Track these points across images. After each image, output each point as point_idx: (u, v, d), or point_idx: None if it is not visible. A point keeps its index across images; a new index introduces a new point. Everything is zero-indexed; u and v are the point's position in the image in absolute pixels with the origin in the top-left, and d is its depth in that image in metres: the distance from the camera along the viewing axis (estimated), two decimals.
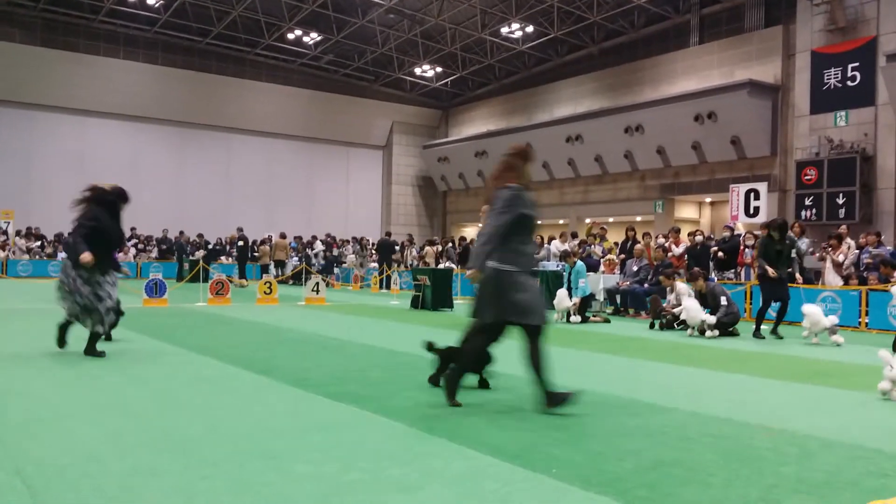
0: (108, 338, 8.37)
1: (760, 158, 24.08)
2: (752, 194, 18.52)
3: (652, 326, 12.50)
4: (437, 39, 32.29)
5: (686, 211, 28.38)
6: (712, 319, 11.20)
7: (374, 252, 28.25)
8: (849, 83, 21.16)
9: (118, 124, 32.21)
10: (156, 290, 14.89)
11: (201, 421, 4.90)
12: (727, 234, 16.61)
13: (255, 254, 28.90)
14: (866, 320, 13.03)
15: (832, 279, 14.68)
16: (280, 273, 26.26)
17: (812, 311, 10.56)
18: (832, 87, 21.49)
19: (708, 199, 28.34)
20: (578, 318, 13.40)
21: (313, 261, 28.31)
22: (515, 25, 29.68)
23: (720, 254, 16.04)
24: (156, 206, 29.96)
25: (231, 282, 17.61)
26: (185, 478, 3.64)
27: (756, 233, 15.47)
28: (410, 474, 3.78)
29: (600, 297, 15.94)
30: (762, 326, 11.25)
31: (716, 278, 15.06)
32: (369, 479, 3.68)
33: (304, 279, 20.06)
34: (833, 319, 10.58)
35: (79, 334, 7.99)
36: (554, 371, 5.53)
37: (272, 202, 35.60)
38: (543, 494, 3.53)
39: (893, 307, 12.38)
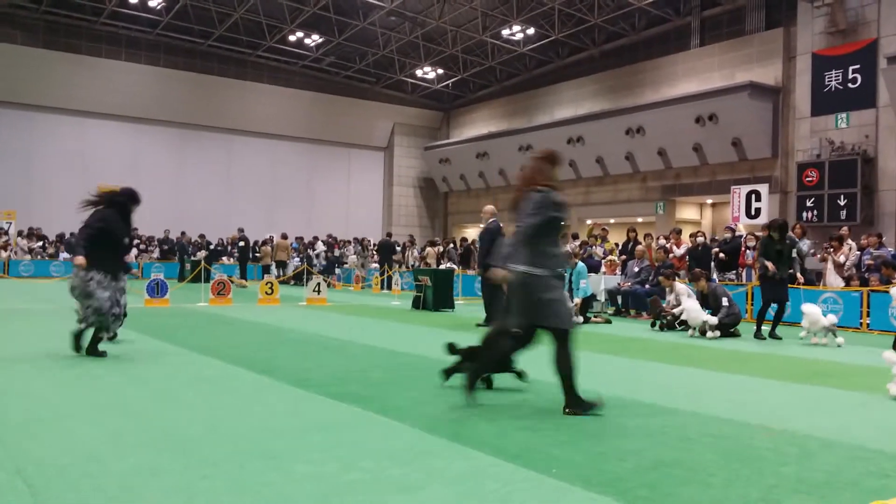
0: (112, 338, 8.26)
1: (761, 160, 24.08)
2: (753, 196, 18.53)
3: (653, 327, 12.50)
4: (439, 41, 32.31)
5: (687, 212, 28.38)
6: (714, 320, 11.20)
7: (375, 253, 28.26)
8: (850, 85, 21.16)
9: (120, 125, 32.25)
10: (157, 290, 14.90)
11: (202, 421, 4.91)
12: (728, 235, 16.61)
13: (257, 254, 28.93)
14: (867, 321, 13.03)
15: (833, 280, 14.67)
16: (281, 273, 26.27)
17: (811, 310, 10.57)
18: (833, 89, 21.48)
19: (709, 201, 28.34)
20: (580, 319, 13.39)
21: (315, 261, 28.32)
22: (516, 28, 29.70)
23: (721, 255, 16.05)
24: (157, 207, 29.93)
25: (231, 282, 17.61)
26: (185, 478, 3.64)
27: (757, 234, 15.47)
28: (411, 474, 3.78)
29: (601, 297, 15.95)
30: (763, 327, 11.25)
31: (717, 279, 15.05)
32: (370, 478, 3.68)
33: (305, 280, 20.07)
34: (832, 319, 10.58)
35: (85, 334, 8.00)
36: (551, 372, 5.53)
37: (273, 203, 35.62)
38: (544, 494, 3.53)
39: (894, 308, 12.37)
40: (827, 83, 21.59)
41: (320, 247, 30.05)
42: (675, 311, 12.09)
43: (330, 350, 8.87)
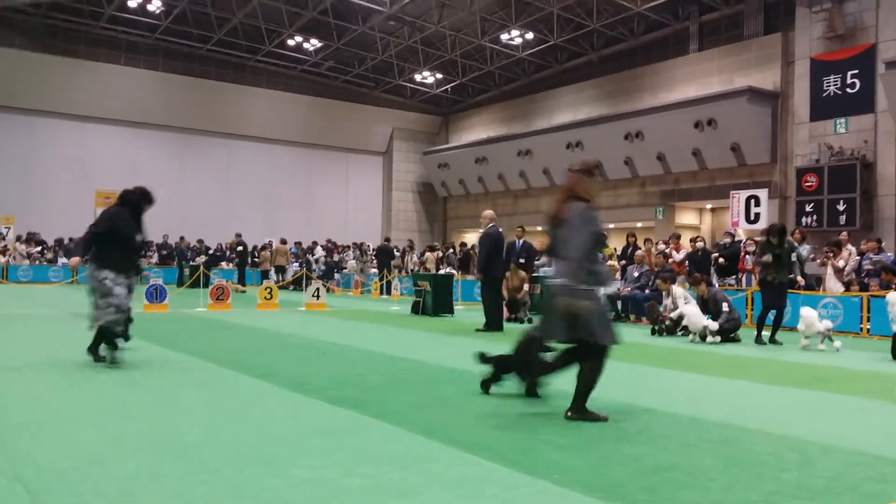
0: (115, 345, 7.90)
1: (760, 165, 24.11)
2: (752, 201, 18.50)
3: (653, 332, 12.49)
4: (438, 46, 32.36)
5: (686, 217, 28.40)
6: (714, 325, 11.19)
7: (373, 258, 28.27)
8: (848, 90, 21.19)
9: (118, 130, 32.26)
10: (156, 295, 14.88)
11: (201, 425, 4.90)
12: (728, 240, 16.62)
13: (256, 259, 28.93)
14: (867, 326, 13.02)
15: (833, 285, 14.68)
16: (280, 279, 26.26)
17: (809, 314, 10.58)
18: (832, 94, 21.52)
19: (708, 206, 28.36)
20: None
21: (314, 266, 28.31)
22: (515, 32, 29.75)
23: (721, 260, 16.06)
24: (156, 212, 29.28)
25: (230, 287, 17.61)
26: (185, 482, 3.64)
27: (757, 239, 15.49)
28: (410, 479, 3.77)
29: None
30: (763, 332, 11.26)
31: (717, 284, 15.05)
32: (369, 483, 3.68)
33: (304, 285, 20.06)
34: (827, 324, 10.59)
35: (85, 337, 7.98)
36: (561, 377, 5.54)
37: (272, 208, 35.63)
38: (544, 499, 3.53)
39: (891, 313, 12.38)
40: (825, 88, 21.62)
41: (319, 252, 30.05)
42: (673, 315, 12.09)
43: (329, 355, 8.86)
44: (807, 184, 21.39)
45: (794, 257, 11.63)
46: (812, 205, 21.25)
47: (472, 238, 31.78)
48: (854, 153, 20.83)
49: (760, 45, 24.75)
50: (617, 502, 3.46)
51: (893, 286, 11.58)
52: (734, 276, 16.23)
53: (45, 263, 27.61)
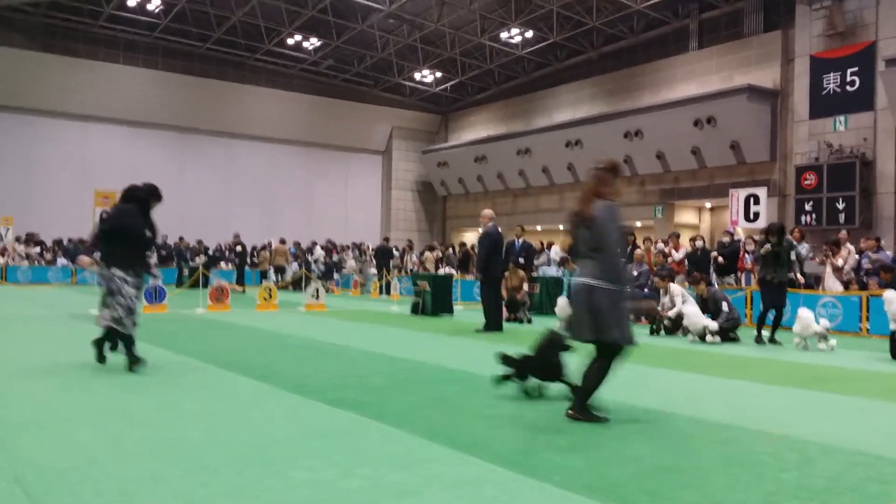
0: (114, 347, 7.69)
1: (760, 163, 24.10)
2: (751, 199, 18.49)
3: (652, 332, 12.48)
4: (437, 44, 32.34)
5: (686, 216, 28.38)
6: (714, 325, 11.19)
7: (372, 258, 28.25)
8: (848, 88, 21.18)
9: (118, 129, 32.22)
10: (155, 295, 14.86)
11: (201, 427, 4.90)
12: (727, 239, 16.61)
13: (255, 260, 28.91)
14: (867, 326, 13.01)
15: (832, 284, 14.67)
16: (280, 279, 26.25)
17: (806, 315, 10.58)
18: (831, 91, 21.50)
19: (708, 204, 28.35)
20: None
21: (313, 266, 28.30)
22: (515, 31, 29.72)
23: (720, 259, 16.05)
24: (155, 212, 29.86)
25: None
26: (184, 484, 3.63)
27: (756, 237, 15.48)
28: (410, 480, 3.77)
29: None
30: (763, 332, 11.25)
31: (716, 283, 15.05)
32: (368, 485, 3.67)
33: (303, 285, 20.05)
34: (825, 324, 10.59)
35: (84, 340, 7.96)
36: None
37: (272, 207, 35.61)
38: (544, 500, 3.53)
39: (888, 311, 12.37)
40: (825, 86, 21.61)
41: (318, 252, 30.03)
42: (671, 313, 12.08)
43: (328, 356, 8.86)
44: (806, 182, 21.38)
45: (793, 256, 11.62)
46: (811, 203, 21.24)
47: (471, 237, 31.79)
48: (853, 151, 20.82)
49: (760, 42, 24.73)
50: (617, 503, 3.46)
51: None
52: (733, 276, 16.22)
53: (43, 264, 27.59)
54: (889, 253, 15.29)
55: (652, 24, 28.29)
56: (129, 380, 6.70)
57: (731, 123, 23.92)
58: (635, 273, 15.61)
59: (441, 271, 23.06)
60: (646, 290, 15.05)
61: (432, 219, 39.88)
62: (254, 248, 30.08)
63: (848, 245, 15.39)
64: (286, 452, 4.25)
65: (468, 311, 16.58)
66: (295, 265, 28.44)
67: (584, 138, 28.73)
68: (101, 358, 7.45)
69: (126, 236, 7.26)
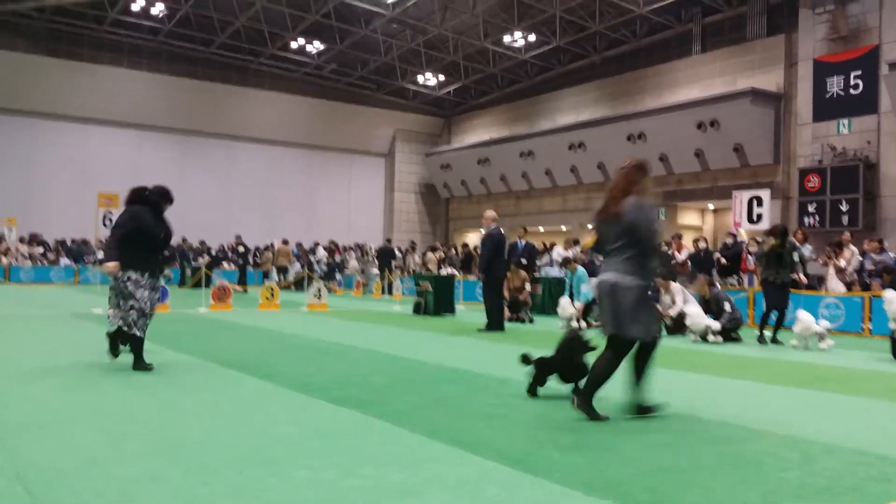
0: (124, 342, 7.56)
1: (763, 166, 24.08)
2: (755, 201, 18.48)
3: None
4: (440, 48, 32.36)
5: (689, 218, 28.37)
6: (717, 325, 11.18)
7: (375, 258, 28.29)
8: (851, 91, 21.16)
9: (121, 133, 32.30)
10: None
11: (202, 426, 4.90)
12: (730, 240, 16.60)
13: (258, 260, 28.96)
14: (869, 326, 13.00)
15: (835, 285, 14.66)
16: (282, 279, 26.27)
17: (805, 317, 10.58)
18: (835, 95, 21.49)
19: (711, 206, 28.34)
20: (584, 325, 13.37)
21: (316, 267, 28.33)
22: (518, 34, 29.72)
23: (723, 260, 16.04)
24: None
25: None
26: (185, 483, 3.63)
27: (759, 239, 15.47)
28: (411, 479, 3.77)
29: None
30: (765, 332, 11.24)
31: (718, 285, 15.04)
32: (370, 484, 3.67)
33: (306, 285, 20.07)
34: (825, 325, 10.58)
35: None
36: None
37: (274, 209, 35.63)
38: (545, 499, 3.52)
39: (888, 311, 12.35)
40: (828, 89, 21.59)
41: (321, 252, 30.07)
42: (672, 311, 12.07)
43: (331, 355, 8.86)
44: (809, 184, 21.36)
45: (795, 257, 11.61)
46: (815, 205, 21.22)
47: (473, 239, 31.79)
48: (857, 154, 20.79)
49: (763, 46, 24.72)
50: (618, 502, 3.45)
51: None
52: (736, 277, 16.21)
53: (46, 264, 27.65)
54: (892, 255, 15.27)
55: (655, 28, 28.28)
56: (130, 379, 6.70)
57: (734, 126, 23.90)
58: None
59: (443, 272, 23.07)
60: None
61: (435, 220, 39.89)
62: (256, 249, 30.13)
63: (851, 247, 15.38)
64: (287, 452, 4.25)
65: (470, 312, 16.59)
66: (297, 265, 28.49)
67: (587, 141, 28.73)
68: (114, 351, 7.44)
69: (140, 239, 7.22)
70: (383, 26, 30.04)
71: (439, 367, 7.87)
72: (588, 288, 14.17)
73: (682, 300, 12.01)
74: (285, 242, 27.83)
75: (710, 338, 11.14)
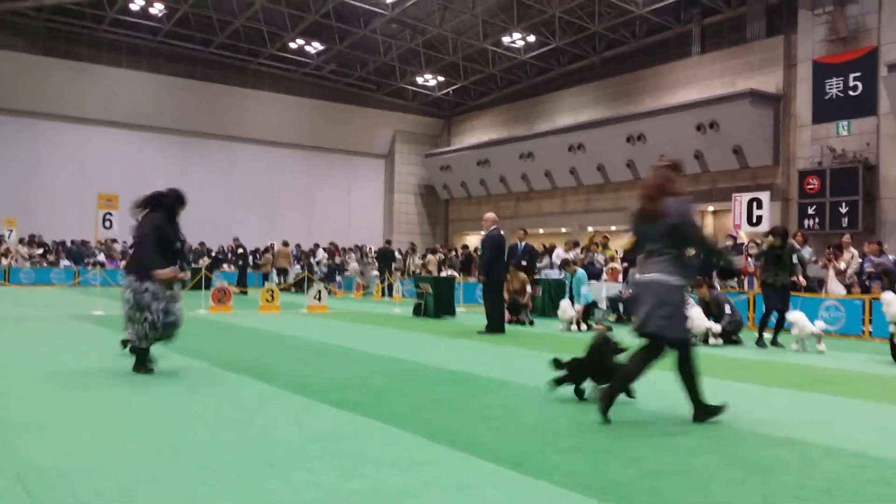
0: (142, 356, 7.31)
1: (763, 168, 24.09)
2: (754, 203, 18.51)
3: None
4: (440, 49, 32.37)
5: None
6: (718, 328, 11.18)
7: (374, 260, 28.28)
8: (850, 93, 21.18)
9: (121, 133, 32.29)
10: None
11: (202, 427, 4.90)
12: (730, 242, 16.60)
13: (258, 261, 28.94)
14: (869, 329, 13.00)
15: (835, 287, 14.67)
16: (282, 281, 26.26)
17: (798, 318, 10.57)
18: (834, 96, 21.51)
19: (710, 208, 28.31)
20: (585, 328, 13.37)
21: (315, 268, 28.32)
22: (517, 35, 29.75)
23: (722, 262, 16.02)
24: None
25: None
26: (185, 484, 3.63)
27: (757, 241, 15.48)
28: (411, 482, 3.77)
29: (603, 305, 15.93)
30: (765, 335, 11.24)
31: (719, 286, 15.03)
32: (370, 486, 3.67)
33: (305, 287, 20.06)
34: (821, 325, 10.57)
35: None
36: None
37: (274, 211, 35.64)
38: (545, 501, 3.52)
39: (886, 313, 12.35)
40: (828, 91, 21.61)
41: (321, 254, 30.06)
42: None
43: (331, 357, 8.86)
44: (809, 186, 21.37)
45: (795, 259, 11.61)
46: (814, 207, 21.23)
47: (473, 240, 31.79)
48: (856, 156, 20.81)
49: (763, 47, 24.74)
50: (618, 503, 3.46)
51: None
52: (736, 279, 16.20)
53: (46, 266, 27.64)
54: (892, 257, 15.27)
55: (654, 29, 28.30)
56: (130, 380, 6.70)
57: (733, 128, 23.92)
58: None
59: (443, 274, 23.07)
60: None
61: (435, 222, 39.89)
62: (256, 251, 30.11)
63: (851, 249, 15.39)
64: (288, 454, 4.25)
65: (470, 314, 16.58)
66: (297, 267, 28.48)
67: (586, 142, 28.75)
68: (148, 369, 7.22)
69: (162, 248, 7.04)
70: (383, 26, 30.06)
71: (439, 370, 7.87)
72: (588, 290, 14.17)
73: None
74: (285, 244, 27.83)
75: (711, 340, 11.14)
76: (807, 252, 14.98)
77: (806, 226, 20.83)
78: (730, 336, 11.36)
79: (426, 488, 3.67)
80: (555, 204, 31.93)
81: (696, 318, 11.34)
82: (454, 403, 5.93)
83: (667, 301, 5.22)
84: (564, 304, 13.55)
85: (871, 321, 12.99)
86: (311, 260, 29.47)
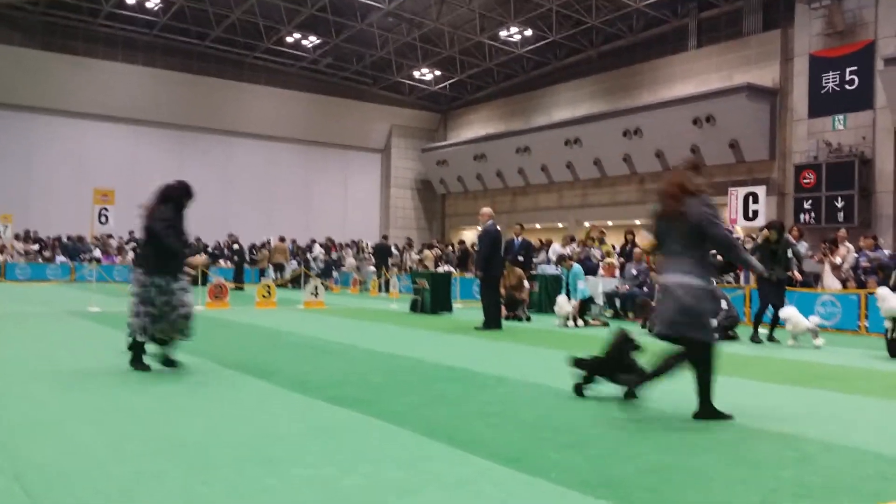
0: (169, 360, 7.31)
1: (759, 162, 24.12)
2: (750, 197, 18.51)
3: (643, 326, 12.43)
4: (436, 43, 32.31)
5: None
6: (714, 323, 11.18)
7: (371, 256, 28.26)
8: (847, 87, 21.19)
9: (117, 127, 32.20)
10: None
11: (201, 425, 4.90)
12: None
13: (255, 257, 28.90)
14: (866, 324, 13.02)
15: (831, 282, 14.69)
16: (279, 276, 26.24)
17: (791, 313, 10.59)
18: (830, 90, 21.52)
19: None
20: (582, 323, 13.38)
21: (312, 264, 28.30)
22: (514, 29, 29.71)
23: (719, 257, 16.04)
24: None
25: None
26: (184, 482, 3.63)
27: (754, 236, 15.49)
28: (410, 478, 3.77)
29: (599, 301, 15.94)
30: (761, 330, 11.26)
31: (714, 282, 15.06)
32: (368, 483, 3.68)
33: (302, 283, 20.06)
34: (815, 320, 10.60)
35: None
36: (551, 375, 5.52)
37: (270, 205, 35.58)
38: (542, 498, 3.53)
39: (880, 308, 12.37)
40: (824, 85, 21.62)
41: (318, 250, 30.02)
42: None
43: (328, 353, 8.86)
44: (805, 180, 21.40)
45: (790, 254, 11.63)
46: (810, 202, 21.26)
47: (470, 235, 31.78)
48: (852, 150, 20.83)
49: (759, 41, 24.74)
50: (617, 501, 3.46)
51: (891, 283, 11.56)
52: (732, 274, 16.22)
53: (42, 261, 27.58)
54: (887, 251, 15.31)
55: (651, 22, 28.29)
56: (128, 378, 6.69)
57: (730, 122, 23.93)
58: (634, 272, 15.63)
59: (440, 269, 23.06)
60: (645, 287, 15.07)
61: (431, 217, 39.88)
62: (253, 246, 30.06)
63: (847, 243, 15.41)
64: (286, 451, 4.25)
65: (467, 310, 16.59)
66: (294, 262, 28.45)
67: (583, 137, 28.75)
68: (169, 363, 7.22)
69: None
70: (379, 20, 30.00)
71: (436, 366, 7.88)
72: (584, 285, 14.18)
73: None
74: (282, 239, 27.79)
75: None
76: (802, 247, 14.99)
77: (802, 220, 20.86)
78: (726, 332, 11.36)
79: (425, 485, 3.67)
80: (551, 199, 31.93)
81: None
82: (452, 400, 5.94)
83: (689, 303, 5.22)
84: (561, 299, 13.56)
85: (867, 316, 13.01)
86: (308, 255, 29.44)
